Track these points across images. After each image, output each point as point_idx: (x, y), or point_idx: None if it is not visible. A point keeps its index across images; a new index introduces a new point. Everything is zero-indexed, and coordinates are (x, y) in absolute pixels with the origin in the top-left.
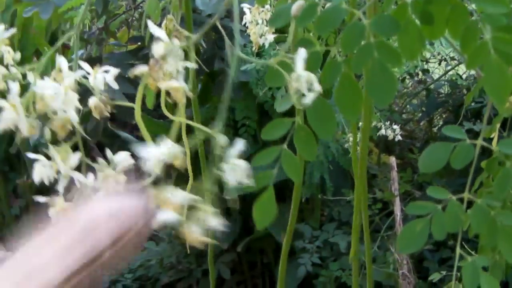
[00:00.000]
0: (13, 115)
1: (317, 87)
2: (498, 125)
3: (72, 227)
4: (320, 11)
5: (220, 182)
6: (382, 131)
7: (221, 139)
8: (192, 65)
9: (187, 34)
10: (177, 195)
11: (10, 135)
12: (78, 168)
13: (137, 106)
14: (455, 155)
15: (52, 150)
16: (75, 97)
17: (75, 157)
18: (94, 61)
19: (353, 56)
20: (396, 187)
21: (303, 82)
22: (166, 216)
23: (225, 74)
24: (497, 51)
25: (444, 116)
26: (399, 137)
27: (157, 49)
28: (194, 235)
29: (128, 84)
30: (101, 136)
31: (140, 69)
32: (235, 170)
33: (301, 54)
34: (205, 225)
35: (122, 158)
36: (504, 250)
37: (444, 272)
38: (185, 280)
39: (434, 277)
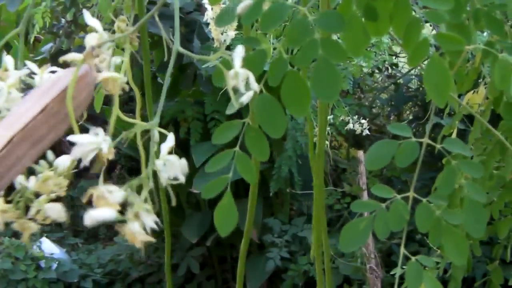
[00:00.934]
0: None
1: (255, 86)
2: (457, 122)
3: (43, 84)
4: (266, 8)
5: (190, 179)
6: (350, 126)
7: (156, 134)
8: (126, 59)
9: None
10: (115, 193)
11: None
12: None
13: (68, 103)
14: (400, 152)
15: None
16: (18, 95)
17: None
18: (63, 55)
19: (298, 52)
20: (364, 181)
21: (240, 79)
22: (104, 214)
23: (193, 67)
24: (442, 48)
25: (413, 110)
26: (367, 132)
27: (89, 39)
28: (136, 233)
29: None
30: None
31: (73, 56)
32: (169, 166)
33: (239, 51)
34: (142, 223)
35: (63, 160)
36: (448, 249)
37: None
38: (155, 275)
39: (395, 271)
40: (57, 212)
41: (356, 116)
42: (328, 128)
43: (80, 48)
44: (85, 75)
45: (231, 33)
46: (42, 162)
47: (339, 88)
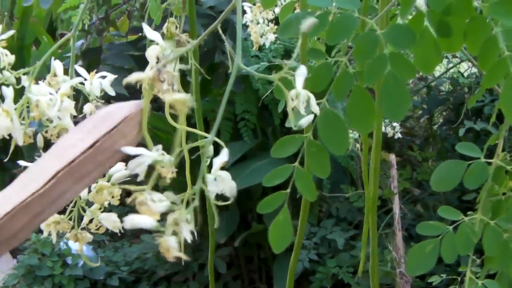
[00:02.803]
0: (7, 122)
1: (316, 108)
2: (504, 132)
3: (92, 118)
4: (332, 19)
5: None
6: (382, 128)
7: (209, 149)
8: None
9: (186, 39)
10: (159, 203)
11: None
12: None
13: (144, 122)
14: (469, 174)
15: None
16: (71, 104)
17: None
18: (94, 52)
19: (366, 68)
20: (395, 184)
21: (301, 101)
22: (144, 222)
23: (225, 66)
24: None
25: (444, 114)
26: (398, 135)
27: (151, 54)
28: (169, 247)
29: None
30: None
31: (137, 77)
32: (219, 182)
33: (302, 71)
34: (180, 237)
35: (116, 169)
36: None
37: (444, 275)
38: (181, 274)
39: (434, 279)
40: (112, 221)
41: (388, 119)
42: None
43: (111, 46)
44: (137, 113)
45: (271, 36)
46: None
47: (408, 106)
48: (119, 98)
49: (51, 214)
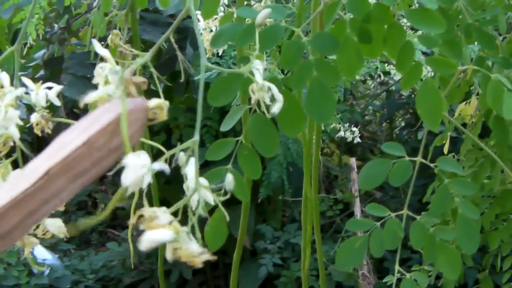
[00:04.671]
0: None
1: (279, 97)
2: (448, 134)
3: (91, 115)
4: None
5: (182, 183)
6: (342, 133)
7: (182, 157)
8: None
9: (134, 52)
10: (162, 215)
11: None
12: None
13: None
14: (393, 172)
15: None
16: (15, 114)
17: (16, 174)
18: (56, 61)
19: (293, 74)
20: (357, 188)
21: (265, 91)
22: (162, 236)
23: (186, 74)
24: (436, 72)
25: (405, 117)
26: (358, 139)
27: (99, 71)
28: (195, 252)
29: (90, 84)
30: None
31: (92, 97)
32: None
33: (257, 64)
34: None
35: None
36: (441, 265)
37: (398, 275)
38: (147, 281)
39: (389, 279)
40: (57, 227)
41: (348, 124)
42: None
43: (73, 55)
44: (135, 110)
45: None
46: None
47: (334, 109)
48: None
49: (46, 214)
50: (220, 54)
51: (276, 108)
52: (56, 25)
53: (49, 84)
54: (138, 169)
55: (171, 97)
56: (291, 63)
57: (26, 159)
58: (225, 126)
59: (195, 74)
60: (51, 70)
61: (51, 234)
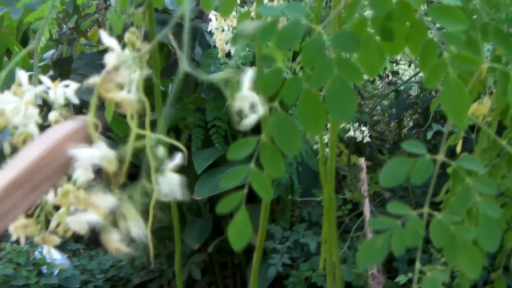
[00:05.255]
0: None
1: (260, 110)
2: (462, 133)
3: (44, 134)
4: (281, 27)
5: (191, 185)
6: (351, 133)
7: (160, 151)
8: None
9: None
10: (105, 200)
11: None
12: None
13: (90, 118)
14: (415, 170)
15: None
16: (35, 112)
17: None
18: (65, 61)
19: (314, 72)
20: (366, 187)
21: (247, 102)
22: (90, 218)
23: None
24: (455, 70)
25: (413, 117)
26: (367, 139)
27: (109, 59)
28: (113, 242)
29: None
30: None
31: (94, 80)
32: (169, 183)
33: (249, 74)
34: (128, 233)
35: (81, 173)
36: (463, 264)
37: (411, 274)
38: (156, 281)
39: (400, 279)
40: (79, 224)
41: (357, 123)
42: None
43: (82, 55)
44: (81, 128)
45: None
46: None
47: (355, 107)
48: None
49: (5, 227)
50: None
51: (250, 120)
52: (65, 26)
53: (67, 82)
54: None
55: (180, 97)
56: (312, 61)
57: None
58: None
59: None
60: (60, 71)
61: (71, 232)
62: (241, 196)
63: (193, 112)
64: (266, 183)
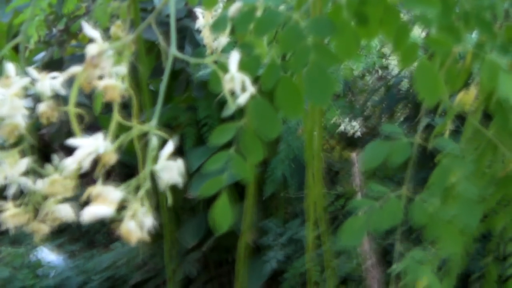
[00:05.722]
0: None
1: (250, 88)
2: (449, 122)
3: None
4: (259, 14)
5: (185, 184)
6: (342, 128)
7: (154, 140)
8: (123, 68)
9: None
10: (113, 192)
11: None
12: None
13: (71, 108)
14: (393, 151)
15: (1, 156)
16: (21, 103)
17: (23, 163)
18: (55, 64)
19: (291, 58)
20: (358, 182)
21: (237, 83)
22: (101, 210)
23: (186, 73)
24: (429, 51)
25: (404, 111)
26: (358, 134)
27: (90, 49)
28: (131, 231)
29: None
30: (64, 138)
31: (75, 69)
32: (168, 170)
33: (235, 56)
34: (139, 222)
35: (69, 163)
36: (443, 241)
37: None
38: (152, 281)
39: (392, 269)
40: (67, 212)
41: (348, 119)
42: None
43: (73, 57)
44: None
45: (223, 39)
46: (48, 165)
47: (332, 92)
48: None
49: None
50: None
51: (242, 99)
52: (54, 28)
53: (54, 73)
54: (86, 149)
55: (171, 96)
56: (289, 47)
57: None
58: (225, 112)
59: (194, 72)
60: (51, 72)
61: (60, 220)
62: (222, 180)
63: (184, 111)
64: (245, 166)
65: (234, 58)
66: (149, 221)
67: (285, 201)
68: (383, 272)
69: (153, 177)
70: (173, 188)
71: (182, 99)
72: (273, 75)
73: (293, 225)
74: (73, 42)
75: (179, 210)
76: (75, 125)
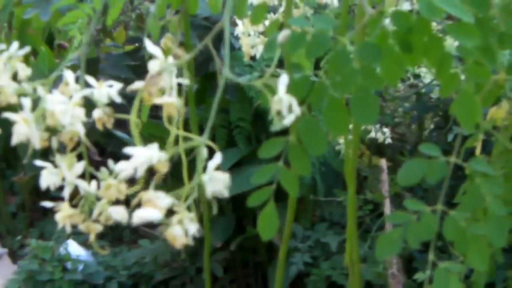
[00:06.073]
0: (26, 129)
1: (297, 110)
2: (480, 136)
3: None
4: (309, 38)
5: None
6: (372, 134)
7: (203, 151)
8: (186, 81)
9: (181, 53)
10: (162, 199)
11: (6, 133)
12: (82, 176)
13: (132, 118)
14: (430, 171)
15: (59, 159)
16: (82, 112)
17: (80, 166)
18: (91, 62)
19: (339, 80)
20: (386, 188)
21: (284, 104)
22: (150, 214)
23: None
24: (468, 81)
25: (434, 120)
26: (389, 140)
27: (152, 66)
28: (177, 236)
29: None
30: (98, 135)
31: (137, 85)
32: (214, 181)
33: (283, 79)
34: (184, 229)
35: (124, 167)
36: (471, 257)
37: (428, 271)
38: (179, 278)
39: (419, 277)
40: (121, 214)
41: (379, 125)
42: (350, 137)
43: (108, 56)
44: None
45: (261, 47)
46: (103, 169)
47: (377, 112)
48: (116, 107)
49: None
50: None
51: (288, 120)
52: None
53: (110, 82)
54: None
55: (205, 98)
56: (338, 69)
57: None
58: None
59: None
60: (88, 71)
61: (113, 221)
62: (270, 190)
63: (217, 113)
64: (293, 180)
65: (283, 81)
66: (193, 228)
67: (313, 205)
68: (408, 278)
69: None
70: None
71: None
72: (322, 94)
73: (320, 228)
74: (109, 41)
75: (208, 209)
76: (135, 134)
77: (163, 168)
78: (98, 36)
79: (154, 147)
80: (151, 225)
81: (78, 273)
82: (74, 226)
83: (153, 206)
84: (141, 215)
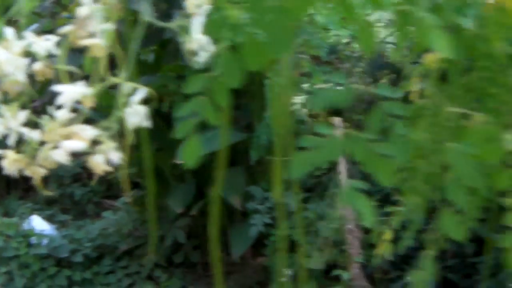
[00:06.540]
0: None
1: (210, 48)
2: (415, 79)
3: None
4: None
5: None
6: None
7: (125, 87)
8: (111, 26)
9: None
10: (87, 131)
11: None
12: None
13: (61, 67)
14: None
15: (3, 109)
16: (23, 62)
17: (23, 114)
18: (47, 34)
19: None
20: None
21: (196, 44)
22: (75, 145)
23: (175, 43)
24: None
25: (388, 77)
26: None
27: (81, 11)
28: (100, 165)
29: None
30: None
31: (66, 28)
32: (136, 114)
33: (198, 19)
34: (107, 157)
35: (62, 113)
36: (379, 175)
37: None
38: (142, 247)
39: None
40: (61, 156)
41: (333, 85)
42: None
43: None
44: None
45: (207, 7)
46: (44, 116)
47: (290, 45)
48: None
49: None
50: None
51: (202, 57)
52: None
53: (49, 36)
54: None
55: (161, 66)
56: (254, 8)
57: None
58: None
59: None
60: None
61: (55, 164)
62: (193, 123)
63: (174, 80)
64: (213, 112)
65: (196, 22)
66: (115, 157)
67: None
68: (366, 233)
69: (148, 149)
70: (161, 154)
71: (171, 68)
72: (239, 31)
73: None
74: (65, 14)
75: (168, 176)
76: (64, 78)
77: (89, 103)
78: (53, 8)
79: (79, 84)
80: (115, 197)
81: (43, 248)
82: (36, 202)
83: (78, 138)
84: (67, 146)
